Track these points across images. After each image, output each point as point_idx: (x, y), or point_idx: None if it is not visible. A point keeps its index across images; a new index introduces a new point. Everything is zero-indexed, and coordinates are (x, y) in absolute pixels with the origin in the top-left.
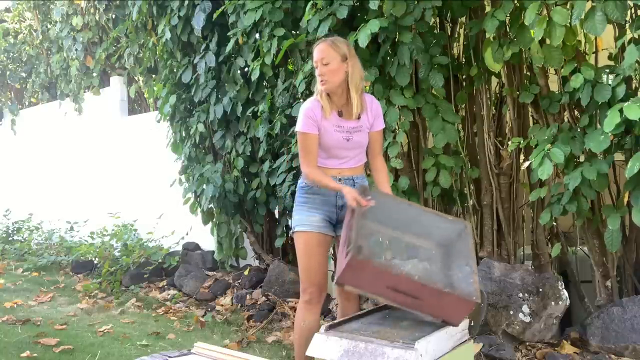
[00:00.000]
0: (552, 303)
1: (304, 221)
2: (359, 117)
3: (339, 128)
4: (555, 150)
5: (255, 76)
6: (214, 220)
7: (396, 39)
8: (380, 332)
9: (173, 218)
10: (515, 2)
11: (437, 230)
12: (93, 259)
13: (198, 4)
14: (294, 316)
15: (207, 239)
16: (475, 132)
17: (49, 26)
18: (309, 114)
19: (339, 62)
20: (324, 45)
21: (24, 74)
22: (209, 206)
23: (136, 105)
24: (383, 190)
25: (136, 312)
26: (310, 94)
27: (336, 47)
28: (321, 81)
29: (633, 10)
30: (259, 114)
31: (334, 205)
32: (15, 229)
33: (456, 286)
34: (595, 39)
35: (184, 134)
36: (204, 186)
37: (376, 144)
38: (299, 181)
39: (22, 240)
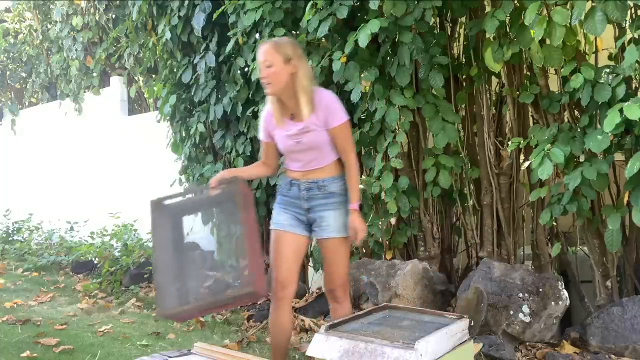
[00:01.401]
0: (552, 303)
1: (275, 220)
2: (306, 117)
3: (289, 132)
4: (555, 150)
5: (255, 76)
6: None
7: (396, 39)
8: (380, 332)
9: None
10: (515, 2)
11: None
12: (93, 259)
13: (198, 4)
14: (294, 316)
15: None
16: (475, 132)
17: (49, 26)
18: (261, 123)
19: (282, 64)
20: (267, 46)
21: (24, 74)
22: None
23: (136, 105)
24: (350, 189)
25: (136, 312)
26: None
27: (279, 49)
28: (265, 85)
29: (633, 10)
30: (259, 114)
31: (300, 208)
32: (15, 229)
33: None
34: (595, 39)
35: (184, 134)
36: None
37: (340, 140)
38: None
39: (22, 240)
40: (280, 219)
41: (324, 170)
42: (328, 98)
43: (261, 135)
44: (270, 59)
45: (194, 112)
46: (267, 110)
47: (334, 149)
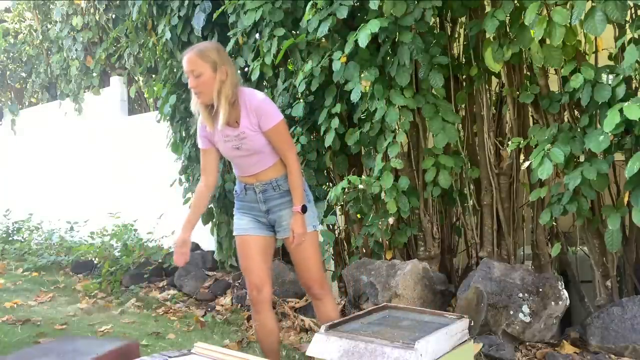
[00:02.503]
0: (552, 303)
1: (236, 225)
2: (238, 124)
3: (227, 137)
4: (555, 150)
5: (255, 76)
6: (214, 220)
7: (396, 39)
8: (380, 332)
9: (173, 218)
10: (515, 2)
11: None
12: (93, 259)
13: (198, 4)
14: (293, 316)
15: (207, 239)
16: (475, 132)
17: (49, 26)
18: (198, 131)
19: (210, 72)
20: (192, 55)
21: (24, 74)
22: (209, 206)
23: (136, 105)
24: (292, 190)
25: (136, 312)
26: (310, 93)
27: (205, 57)
28: (195, 94)
29: (633, 10)
30: None
31: (259, 211)
32: (15, 229)
33: None
34: (595, 39)
35: (184, 134)
36: None
37: (276, 142)
38: None
39: (22, 240)
40: (242, 223)
41: (273, 170)
42: (258, 100)
43: (200, 144)
44: (198, 68)
45: None
46: (202, 118)
47: (273, 151)
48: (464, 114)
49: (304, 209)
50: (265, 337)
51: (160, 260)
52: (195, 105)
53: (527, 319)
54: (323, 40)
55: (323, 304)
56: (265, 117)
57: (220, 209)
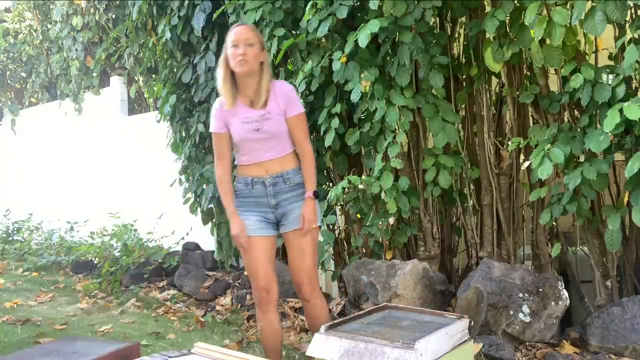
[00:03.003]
0: (552, 303)
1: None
2: (266, 104)
3: (248, 119)
4: (555, 150)
5: None
6: (214, 220)
7: (396, 39)
8: (380, 332)
9: (173, 218)
10: (515, 2)
11: None
12: (93, 259)
13: (198, 4)
14: (293, 316)
15: (207, 239)
16: (475, 132)
17: (49, 26)
18: (214, 113)
19: (259, 48)
20: (248, 27)
21: (24, 74)
22: (209, 206)
23: (136, 105)
24: (308, 177)
25: (136, 312)
26: (310, 93)
27: (257, 34)
28: (240, 61)
29: (633, 10)
30: None
31: (267, 206)
32: (15, 229)
33: None
34: (595, 39)
35: (184, 134)
36: (204, 186)
37: (296, 130)
38: None
39: (22, 240)
40: (247, 224)
41: (284, 160)
42: (288, 88)
43: (215, 126)
44: (253, 39)
45: (194, 112)
46: (219, 101)
47: (290, 140)
48: (464, 114)
49: (316, 195)
50: (270, 337)
51: (160, 260)
52: (223, 80)
53: (527, 319)
54: (323, 40)
55: (313, 306)
56: (292, 104)
57: (220, 209)
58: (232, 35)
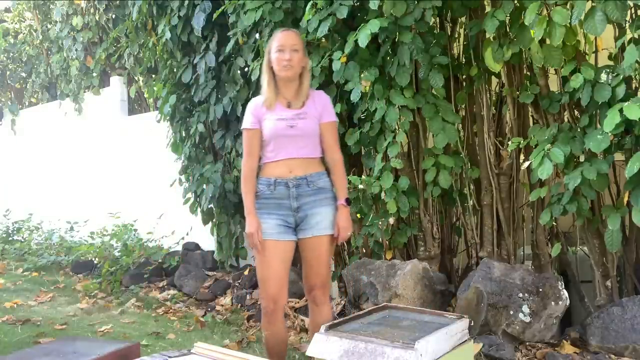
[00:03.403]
0: (552, 303)
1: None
2: (303, 105)
3: (283, 116)
4: (555, 150)
5: (255, 76)
6: (214, 220)
7: (396, 39)
8: (380, 332)
9: (173, 218)
10: (515, 2)
11: None
12: (93, 259)
13: (198, 4)
14: (293, 316)
15: (207, 239)
16: (475, 132)
17: (49, 26)
18: (249, 110)
19: (303, 54)
20: (294, 33)
21: (24, 74)
22: (209, 206)
23: (136, 105)
24: (340, 184)
25: (136, 312)
26: None
27: (301, 40)
28: (286, 66)
29: (633, 10)
30: None
31: (288, 209)
32: (15, 229)
33: None
34: (595, 39)
35: (184, 134)
36: (204, 186)
37: (328, 136)
38: None
39: (22, 240)
40: (266, 227)
41: (311, 163)
42: (326, 96)
43: (249, 122)
44: (298, 44)
45: (194, 112)
46: (258, 98)
47: (319, 145)
48: (464, 114)
49: (349, 203)
50: (275, 345)
51: (160, 260)
52: (268, 83)
53: (527, 319)
54: (323, 40)
55: (320, 311)
56: (328, 111)
57: (220, 209)
58: (278, 40)
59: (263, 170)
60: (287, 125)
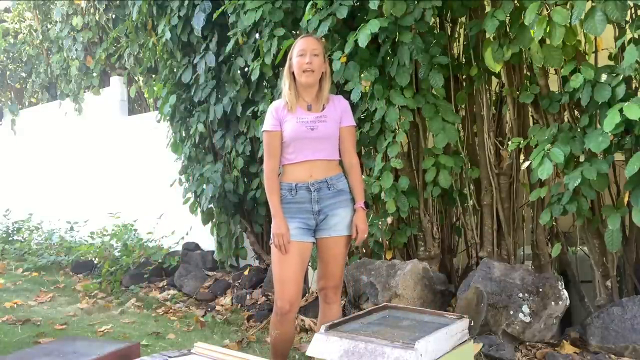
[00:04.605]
0: (552, 303)
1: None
2: (323, 108)
3: (303, 118)
4: (555, 150)
5: (255, 76)
6: (214, 220)
7: (396, 39)
8: (380, 332)
9: (173, 218)
10: (515, 2)
11: None
12: (93, 259)
13: (198, 4)
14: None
15: (207, 239)
16: (475, 132)
17: (49, 26)
18: (271, 112)
19: (323, 59)
20: (315, 38)
21: (24, 74)
22: (209, 206)
23: (136, 105)
24: (358, 188)
25: (136, 312)
26: None
27: (322, 46)
28: (306, 70)
29: (633, 10)
30: (258, 114)
31: (309, 212)
32: (15, 229)
33: None
34: (595, 39)
35: (184, 134)
36: (204, 186)
37: (347, 139)
38: None
39: (22, 240)
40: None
41: (330, 165)
42: (345, 101)
43: (270, 125)
44: (319, 49)
45: (194, 112)
46: (277, 102)
47: (337, 149)
48: (464, 114)
49: (367, 206)
50: (282, 345)
51: (160, 260)
52: (289, 88)
53: (527, 319)
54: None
55: (330, 309)
56: (348, 116)
57: (220, 209)
58: (299, 45)
59: (283, 173)
60: (307, 127)
